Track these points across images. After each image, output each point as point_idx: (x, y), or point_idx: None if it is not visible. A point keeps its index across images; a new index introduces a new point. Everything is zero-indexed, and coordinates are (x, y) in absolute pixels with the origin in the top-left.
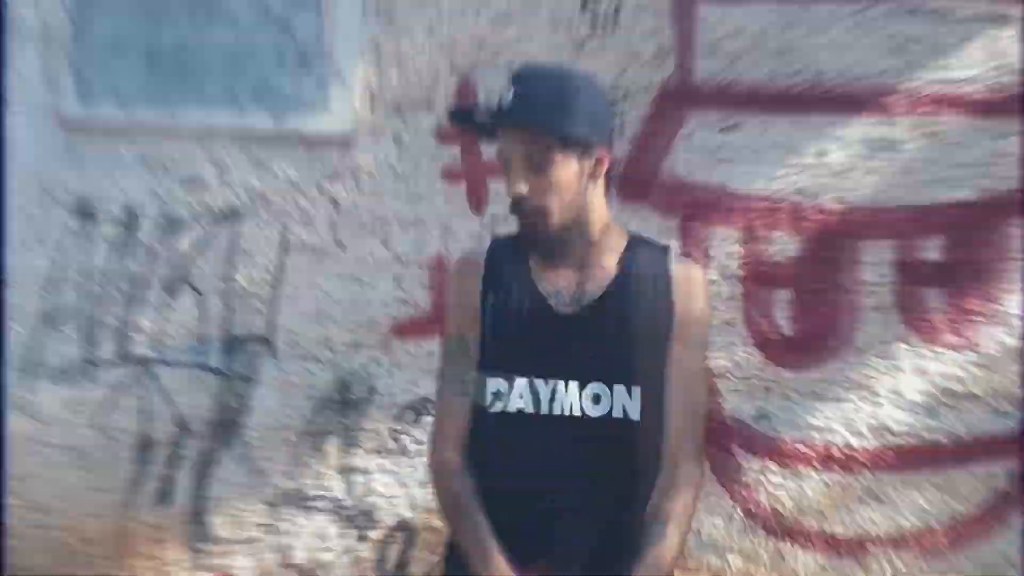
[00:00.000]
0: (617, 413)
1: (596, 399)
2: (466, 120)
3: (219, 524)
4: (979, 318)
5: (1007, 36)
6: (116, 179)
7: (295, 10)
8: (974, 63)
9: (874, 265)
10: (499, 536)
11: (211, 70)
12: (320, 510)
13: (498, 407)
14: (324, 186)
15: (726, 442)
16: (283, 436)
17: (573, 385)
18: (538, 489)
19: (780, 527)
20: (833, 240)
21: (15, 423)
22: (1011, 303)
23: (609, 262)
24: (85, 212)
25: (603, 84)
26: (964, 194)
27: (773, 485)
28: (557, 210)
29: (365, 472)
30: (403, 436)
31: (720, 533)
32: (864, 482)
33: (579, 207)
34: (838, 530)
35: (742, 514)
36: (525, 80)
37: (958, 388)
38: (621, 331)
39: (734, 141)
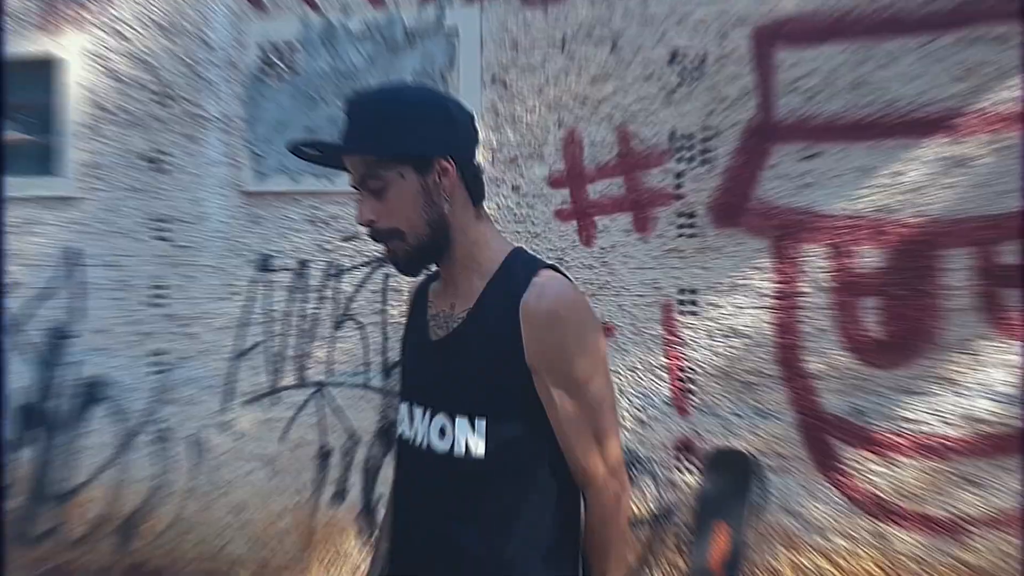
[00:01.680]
0: (459, 449)
1: (441, 432)
2: (302, 154)
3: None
4: None
5: None
6: (288, 236)
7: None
8: None
9: (954, 271)
10: (400, 561)
11: None
12: None
13: (397, 431)
14: None
15: (824, 436)
16: None
17: (428, 413)
18: (415, 517)
19: (880, 510)
20: (914, 251)
21: (217, 440)
22: None
23: (478, 284)
24: (265, 265)
25: (442, 94)
26: None
27: (871, 472)
28: (409, 229)
29: None
30: None
31: (825, 517)
32: (957, 467)
33: (437, 225)
34: (935, 512)
35: (844, 499)
36: (352, 108)
37: None
38: (470, 360)
39: (816, 168)
